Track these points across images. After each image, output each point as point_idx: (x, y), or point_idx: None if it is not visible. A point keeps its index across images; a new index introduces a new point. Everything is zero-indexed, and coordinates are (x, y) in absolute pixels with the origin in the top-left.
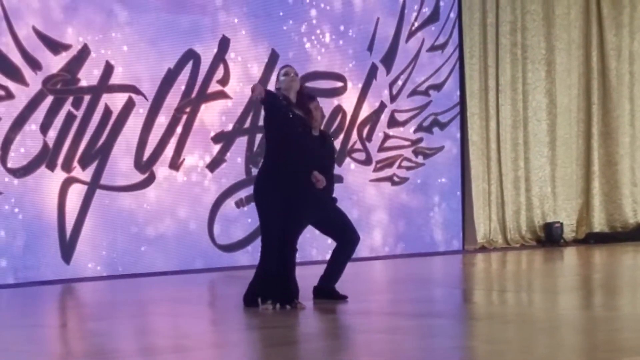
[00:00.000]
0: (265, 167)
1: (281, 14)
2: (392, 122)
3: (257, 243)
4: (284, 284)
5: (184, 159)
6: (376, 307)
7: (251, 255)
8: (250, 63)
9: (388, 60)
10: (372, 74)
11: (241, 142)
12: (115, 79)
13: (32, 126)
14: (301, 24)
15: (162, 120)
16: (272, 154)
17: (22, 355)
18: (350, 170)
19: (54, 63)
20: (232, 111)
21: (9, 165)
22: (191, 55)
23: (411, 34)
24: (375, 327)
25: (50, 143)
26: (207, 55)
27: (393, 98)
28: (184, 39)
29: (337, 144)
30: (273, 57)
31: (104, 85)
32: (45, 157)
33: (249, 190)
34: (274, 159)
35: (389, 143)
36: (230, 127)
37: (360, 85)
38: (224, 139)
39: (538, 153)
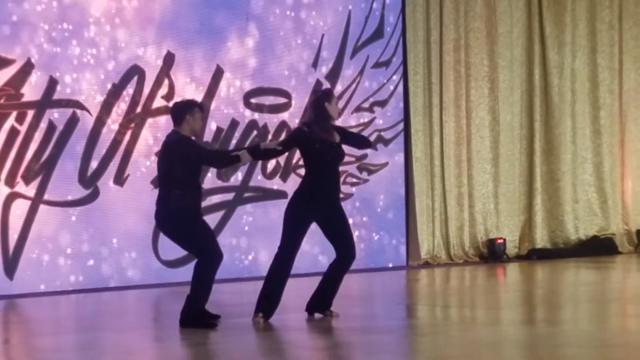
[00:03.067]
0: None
1: (226, 29)
2: None
3: None
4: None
5: (128, 175)
6: (319, 323)
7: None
8: (195, 78)
9: (333, 76)
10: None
11: None
12: (60, 94)
13: None
14: (246, 40)
15: (106, 136)
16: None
17: None
18: (294, 186)
19: None
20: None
21: None
22: (136, 71)
23: (356, 51)
24: (319, 343)
25: None
26: (151, 71)
27: (338, 114)
28: (129, 55)
29: (282, 159)
30: (218, 73)
31: (48, 100)
32: None
33: None
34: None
35: None
36: None
37: (305, 101)
38: None
39: (481, 170)
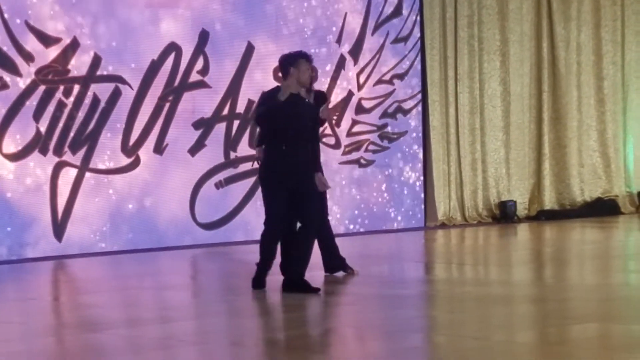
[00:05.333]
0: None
1: (257, 9)
2: (359, 109)
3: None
4: None
5: (167, 144)
6: (344, 280)
7: (227, 233)
8: (227, 54)
9: (355, 51)
10: (340, 64)
11: (220, 128)
12: (103, 70)
13: (26, 114)
14: (276, 19)
15: (146, 108)
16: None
17: (18, 327)
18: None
19: (46, 55)
20: (212, 99)
21: (5, 150)
22: (173, 48)
23: (376, 28)
24: (344, 298)
25: (43, 129)
26: (187, 48)
27: (360, 86)
28: (167, 33)
29: None
30: (249, 49)
31: (93, 75)
32: (38, 143)
33: (227, 173)
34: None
35: (357, 128)
36: (209, 114)
37: (330, 75)
38: (204, 125)
39: (493, 137)
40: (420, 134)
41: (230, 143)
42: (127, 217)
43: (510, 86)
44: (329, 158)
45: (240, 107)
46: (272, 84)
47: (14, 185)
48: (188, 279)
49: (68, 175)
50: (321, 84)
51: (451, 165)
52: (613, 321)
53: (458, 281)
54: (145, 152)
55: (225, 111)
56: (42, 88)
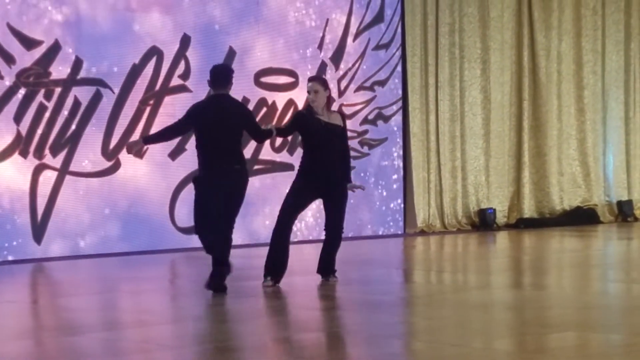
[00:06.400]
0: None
1: (238, 14)
2: None
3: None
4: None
5: (147, 148)
6: (322, 286)
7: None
8: (209, 59)
9: (336, 58)
10: (321, 70)
11: None
12: (84, 73)
13: (6, 116)
14: (257, 24)
15: (127, 112)
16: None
17: None
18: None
19: (27, 58)
20: (193, 103)
21: None
22: (155, 52)
23: (358, 34)
24: (324, 303)
25: (23, 132)
26: (169, 52)
27: (341, 93)
28: (148, 37)
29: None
30: (230, 54)
31: (74, 78)
32: (19, 145)
33: None
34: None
35: None
36: None
37: None
38: None
39: (473, 145)
40: (401, 141)
41: None
42: (107, 220)
43: (490, 94)
44: None
45: None
46: (252, 88)
47: None
48: (167, 283)
49: (48, 178)
50: (303, 91)
51: (431, 173)
52: (591, 330)
53: (437, 288)
54: (126, 156)
55: None
56: (23, 90)
